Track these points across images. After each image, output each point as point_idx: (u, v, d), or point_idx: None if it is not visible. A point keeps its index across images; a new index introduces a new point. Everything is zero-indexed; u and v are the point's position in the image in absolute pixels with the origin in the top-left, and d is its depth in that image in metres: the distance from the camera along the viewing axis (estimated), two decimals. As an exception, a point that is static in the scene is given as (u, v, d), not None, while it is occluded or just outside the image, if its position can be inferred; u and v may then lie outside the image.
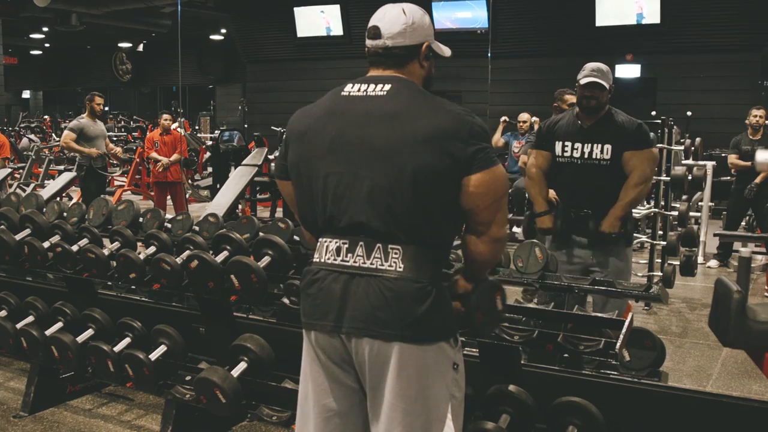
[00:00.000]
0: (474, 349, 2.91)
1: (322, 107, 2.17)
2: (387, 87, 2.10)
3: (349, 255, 2.06)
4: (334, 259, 2.08)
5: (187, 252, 3.67)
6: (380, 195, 2.03)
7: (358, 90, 2.12)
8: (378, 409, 2.08)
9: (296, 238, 3.78)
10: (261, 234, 3.74)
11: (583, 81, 3.83)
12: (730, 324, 2.06)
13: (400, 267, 2.02)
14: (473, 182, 2.04)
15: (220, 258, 3.56)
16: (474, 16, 14.62)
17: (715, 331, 2.20)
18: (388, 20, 2.14)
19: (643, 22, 13.31)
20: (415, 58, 2.17)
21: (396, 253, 2.03)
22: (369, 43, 2.18)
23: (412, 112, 2.05)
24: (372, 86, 2.11)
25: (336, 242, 2.09)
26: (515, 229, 9.73)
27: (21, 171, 12.96)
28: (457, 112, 2.08)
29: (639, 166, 3.86)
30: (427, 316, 2.02)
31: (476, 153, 2.04)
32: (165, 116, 10.65)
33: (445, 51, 2.25)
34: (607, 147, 3.86)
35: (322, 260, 2.11)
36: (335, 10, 16.12)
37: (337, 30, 16.29)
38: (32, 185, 11.81)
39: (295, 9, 16.61)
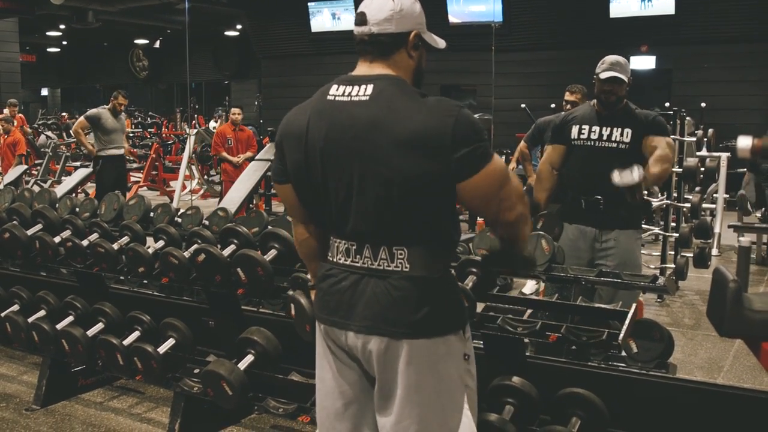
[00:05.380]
0: (478, 341, 2.91)
1: (311, 110, 2.09)
2: (369, 89, 2.01)
3: (358, 256, 2.07)
4: (345, 260, 2.09)
5: (195, 246, 3.71)
6: (374, 204, 2.00)
7: (342, 93, 2.04)
8: (387, 402, 2.08)
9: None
10: (269, 228, 3.77)
11: (603, 75, 3.80)
12: (726, 313, 2.05)
13: (406, 267, 2.02)
14: (466, 188, 1.97)
15: (227, 252, 3.58)
16: (488, 9, 14.57)
17: (712, 321, 2.19)
18: (376, 6, 2.04)
19: (651, 11, 13.22)
20: (402, 47, 2.07)
21: (401, 254, 2.02)
22: (356, 29, 2.09)
23: (394, 115, 1.96)
24: (355, 89, 2.03)
25: (345, 243, 2.09)
26: None
27: (38, 167, 13.09)
28: (439, 110, 1.96)
29: (660, 145, 3.78)
30: (435, 311, 2.03)
31: (464, 157, 1.93)
32: (235, 110, 10.04)
33: (439, 42, 2.16)
34: (628, 131, 3.83)
35: (334, 259, 2.13)
36: (349, 4, 16.12)
37: (350, 24, 16.24)
38: (49, 182, 11.91)
39: (309, 4, 16.65)
